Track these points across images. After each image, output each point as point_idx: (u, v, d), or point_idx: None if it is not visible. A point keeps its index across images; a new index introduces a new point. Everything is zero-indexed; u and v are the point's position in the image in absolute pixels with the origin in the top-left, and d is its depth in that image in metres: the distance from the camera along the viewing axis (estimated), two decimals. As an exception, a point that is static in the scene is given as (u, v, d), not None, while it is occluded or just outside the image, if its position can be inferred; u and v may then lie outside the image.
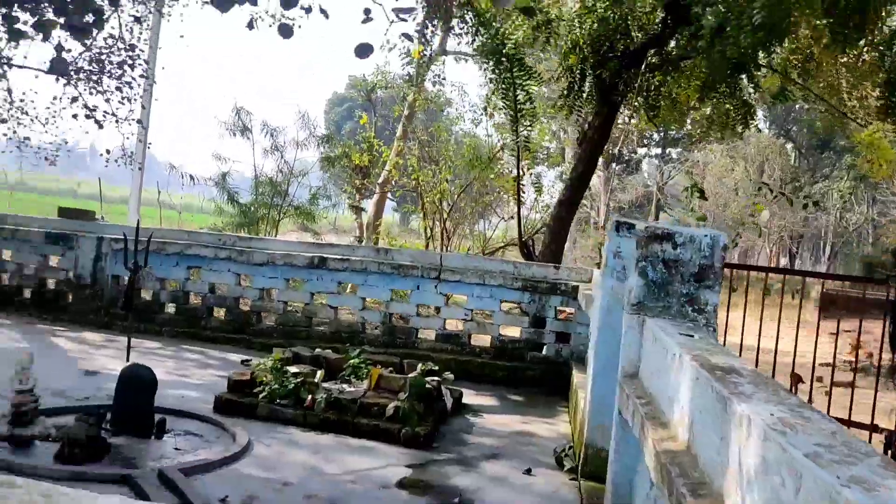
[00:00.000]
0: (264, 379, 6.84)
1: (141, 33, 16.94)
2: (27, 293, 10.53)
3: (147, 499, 4.48)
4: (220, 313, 10.32)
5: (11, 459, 4.87)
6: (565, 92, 11.36)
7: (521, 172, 12.13)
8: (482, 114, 18.49)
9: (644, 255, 3.81)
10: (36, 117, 17.33)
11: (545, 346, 9.49)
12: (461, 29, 12.44)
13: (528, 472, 5.99)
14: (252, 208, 19.48)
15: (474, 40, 11.45)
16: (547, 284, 9.43)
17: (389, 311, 9.89)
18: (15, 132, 17.22)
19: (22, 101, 16.90)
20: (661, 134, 35.54)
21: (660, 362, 3.29)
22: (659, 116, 12.12)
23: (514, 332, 10.01)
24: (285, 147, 20.31)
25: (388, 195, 22.95)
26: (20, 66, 14.21)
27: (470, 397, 8.17)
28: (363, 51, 4.81)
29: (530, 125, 11.69)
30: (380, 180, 20.91)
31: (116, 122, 16.46)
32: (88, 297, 10.20)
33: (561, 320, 9.53)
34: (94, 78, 15.60)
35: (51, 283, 10.52)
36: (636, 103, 11.31)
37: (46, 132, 17.71)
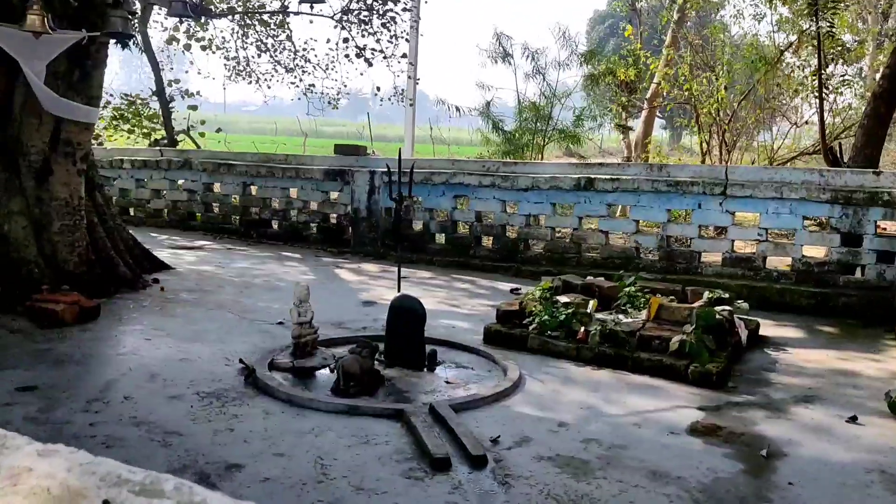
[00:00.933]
0: (533, 309, 6.41)
1: (402, -34, 17.08)
2: (313, 228, 11.23)
3: (417, 435, 4.28)
4: (487, 242, 10.14)
5: (291, 392, 4.95)
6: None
7: (823, 63, 10.21)
8: (766, 5, 16.10)
9: None
10: (317, 64, 18.49)
11: (863, 269, 7.96)
12: None
13: (854, 419, 4.91)
14: (516, 135, 19.19)
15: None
16: (864, 194, 7.82)
17: (666, 233, 8.95)
18: (301, 80, 18.56)
19: (304, 49, 18.10)
20: None
21: None
22: None
23: (818, 252, 8.57)
24: (546, 69, 19.63)
25: (657, 111, 21.32)
26: (295, 13, 15.10)
27: (768, 329, 7.08)
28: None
29: (833, 8, 9.72)
30: (647, 95, 19.42)
31: (384, 58, 16.98)
32: (365, 229, 10.57)
33: (882, 237, 7.90)
34: (364, 17, 16.13)
35: (332, 218, 11.09)
36: None
37: (328, 77, 18.85)
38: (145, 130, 16.79)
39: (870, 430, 4.74)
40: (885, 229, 8.22)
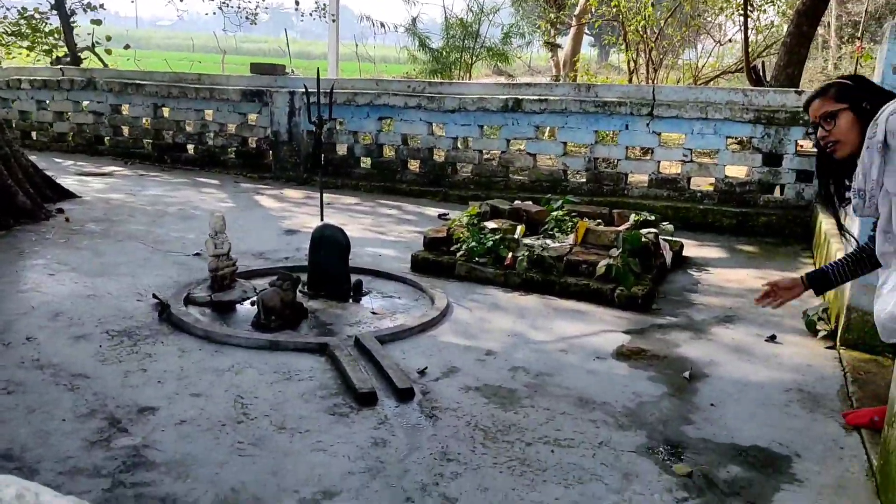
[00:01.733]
0: (461, 235, 6.29)
1: None
2: (231, 152, 10.73)
3: (342, 370, 4.15)
4: (414, 165, 9.90)
5: (209, 328, 4.73)
6: None
7: (749, -20, 10.11)
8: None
9: None
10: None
11: (782, 188, 8.11)
12: None
13: (772, 338, 5.03)
14: (444, 53, 18.72)
15: None
16: (786, 114, 7.88)
17: (594, 155, 8.89)
18: (215, -8, 17.46)
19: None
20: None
21: None
22: None
23: (740, 172, 8.69)
24: (474, -18, 19.03)
25: (586, 29, 21.06)
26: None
27: (692, 249, 7.17)
28: None
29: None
30: (576, 12, 19.12)
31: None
32: (286, 153, 10.16)
33: (802, 156, 8.03)
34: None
35: (251, 142, 10.60)
36: None
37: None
38: (46, 47, 15.61)
39: (788, 349, 4.86)
40: (802, 146, 8.34)
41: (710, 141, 8.31)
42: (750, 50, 12.13)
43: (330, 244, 5.53)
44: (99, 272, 5.83)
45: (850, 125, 2.86)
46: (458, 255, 6.12)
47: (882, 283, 3.17)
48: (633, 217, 6.77)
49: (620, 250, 5.79)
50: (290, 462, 3.31)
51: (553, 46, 20.99)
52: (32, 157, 8.68)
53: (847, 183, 3.07)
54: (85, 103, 11.62)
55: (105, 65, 15.17)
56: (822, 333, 5.05)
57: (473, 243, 6.10)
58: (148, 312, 5.02)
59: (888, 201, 2.78)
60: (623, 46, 16.63)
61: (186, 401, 3.83)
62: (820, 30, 30.71)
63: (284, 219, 8.01)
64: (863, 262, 3.42)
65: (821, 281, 3.59)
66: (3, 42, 15.23)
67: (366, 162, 10.05)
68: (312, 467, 3.27)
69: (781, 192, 8.13)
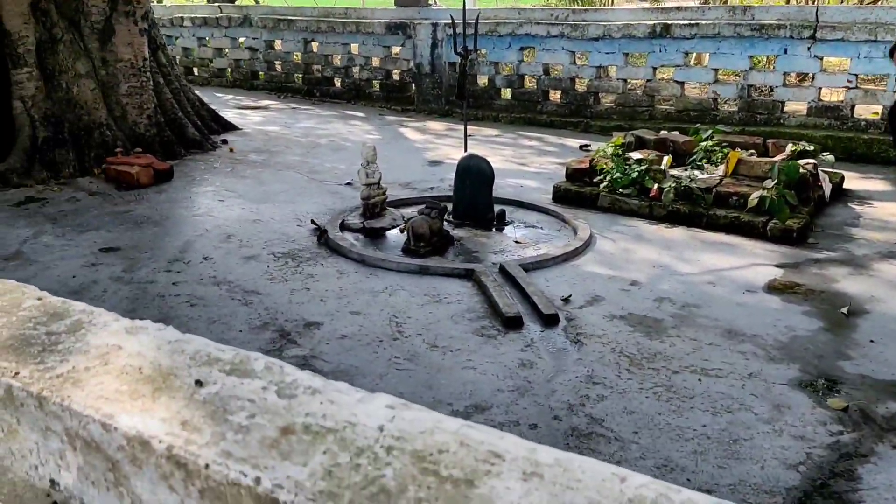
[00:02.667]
0: (604, 166, 6.23)
1: None
2: (376, 85, 10.99)
3: (488, 295, 4.31)
4: (555, 96, 9.77)
5: (364, 252, 5.01)
6: None
7: None
8: None
9: None
10: None
11: (962, 117, 7.38)
12: None
13: (942, 277, 4.73)
14: (586, -22, 18.02)
15: None
16: (973, 34, 7.13)
17: (747, 82, 8.41)
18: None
19: None
20: None
21: None
22: None
23: (913, 99, 7.96)
24: None
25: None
26: None
27: (854, 181, 6.74)
28: None
29: None
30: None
31: None
32: (429, 85, 10.29)
33: None
34: None
35: (395, 74, 10.80)
36: None
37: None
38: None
39: (960, 288, 4.55)
40: None
41: (878, 65, 7.65)
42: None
43: (475, 174, 5.65)
44: (262, 199, 6.28)
45: None
46: (602, 186, 6.07)
47: None
48: (789, 147, 6.42)
49: (775, 181, 5.54)
50: (442, 377, 3.53)
51: (703, -34, 19.69)
52: (196, 92, 9.30)
53: None
54: (241, 40, 12.22)
55: (257, 1, 15.80)
56: None
57: (618, 174, 6.03)
58: (307, 236, 5.38)
59: None
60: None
61: (347, 318, 4.13)
62: None
63: (428, 150, 8.20)
64: None
65: None
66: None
67: (506, 93, 10.02)
68: (464, 383, 3.48)
69: (961, 121, 7.40)
